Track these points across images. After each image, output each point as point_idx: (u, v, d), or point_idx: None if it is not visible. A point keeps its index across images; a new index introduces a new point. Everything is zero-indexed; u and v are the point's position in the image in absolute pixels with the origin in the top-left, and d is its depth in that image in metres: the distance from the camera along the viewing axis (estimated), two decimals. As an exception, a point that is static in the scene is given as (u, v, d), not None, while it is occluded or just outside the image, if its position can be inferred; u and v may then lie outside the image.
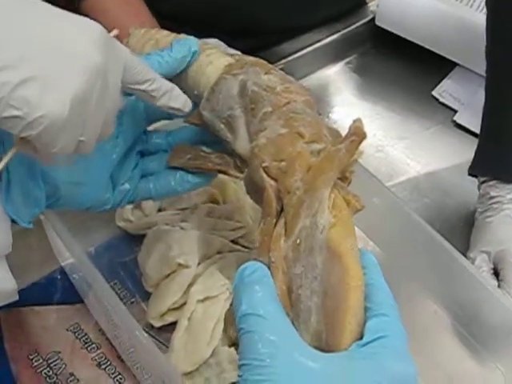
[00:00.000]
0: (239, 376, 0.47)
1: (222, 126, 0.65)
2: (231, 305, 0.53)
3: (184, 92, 0.67)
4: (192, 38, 0.68)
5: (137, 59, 0.60)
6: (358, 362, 0.47)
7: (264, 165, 0.58)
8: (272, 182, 0.57)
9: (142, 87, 0.61)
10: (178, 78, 0.68)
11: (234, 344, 0.55)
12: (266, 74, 0.64)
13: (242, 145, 0.64)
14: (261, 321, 0.48)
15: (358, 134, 0.54)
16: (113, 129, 0.60)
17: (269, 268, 0.53)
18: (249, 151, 0.62)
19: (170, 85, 0.64)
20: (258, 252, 0.54)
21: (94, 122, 0.54)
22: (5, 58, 0.47)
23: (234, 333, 0.52)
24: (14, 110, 0.48)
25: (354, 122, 0.55)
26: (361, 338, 0.48)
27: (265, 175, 0.58)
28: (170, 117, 0.71)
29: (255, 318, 0.48)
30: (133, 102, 0.69)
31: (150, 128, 0.73)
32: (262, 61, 0.68)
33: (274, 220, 0.55)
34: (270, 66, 0.67)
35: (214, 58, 0.67)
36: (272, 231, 0.55)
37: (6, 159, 0.54)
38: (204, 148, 0.71)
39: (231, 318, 0.53)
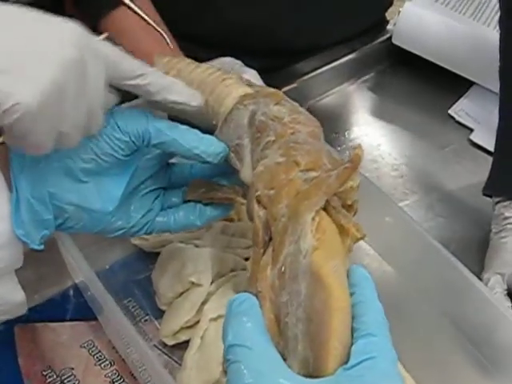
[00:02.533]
0: None
1: (232, 154, 0.67)
2: None
3: (202, 122, 0.68)
4: (222, 145, 0.68)
5: (126, 56, 0.62)
6: None
7: (257, 194, 0.59)
8: (261, 212, 0.58)
9: (134, 82, 0.62)
10: (197, 109, 0.69)
11: None
12: (276, 104, 0.66)
13: (246, 173, 0.65)
14: (247, 351, 0.48)
15: (353, 161, 0.54)
16: (100, 123, 0.61)
17: (258, 298, 0.53)
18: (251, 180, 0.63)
19: (170, 79, 0.65)
20: (248, 283, 0.55)
21: (75, 113, 0.56)
22: None
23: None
24: None
25: (355, 148, 0.55)
26: (348, 360, 0.48)
27: (256, 205, 0.59)
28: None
29: (241, 348, 0.48)
30: None
31: (173, 160, 0.74)
32: (276, 92, 0.69)
33: (262, 250, 0.56)
34: (283, 96, 0.68)
35: (233, 89, 0.68)
36: (260, 261, 0.55)
37: None
38: (219, 181, 0.73)
39: None
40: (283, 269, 0.52)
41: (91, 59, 0.57)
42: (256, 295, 0.53)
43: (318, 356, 0.49)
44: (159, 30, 0.73)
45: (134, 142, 0.65)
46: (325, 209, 0.55)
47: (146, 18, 0.72)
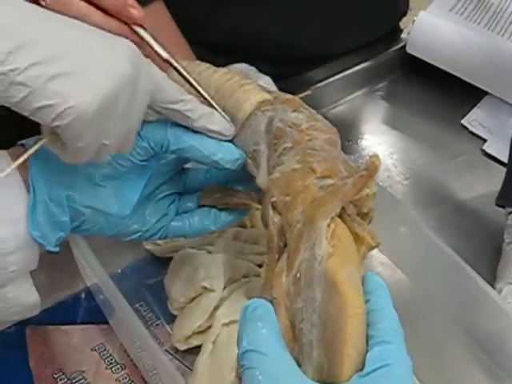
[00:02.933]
0: None
1: (249, 160, 0.67)
2: None
3: None
4: (240, 153, 0.68)
5: (170, 82, 0.63)
6: None
7: (272, 200, 0.59)
8: (276, 219, 0.58)
9: (176, 106, 0.63)
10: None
11: None
12: (294, 111, 0.66)
13: (262, 179, 0.65)
14: (262, 357, 0.48)
15: (370, 169, 0.54)
16: (132, 143, 0.62)
17: (273, 304, 0.53)
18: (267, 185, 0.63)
19: (208, 109, 0.66)
20: (262, 289, 0.55)
21: (119, 127, 0.57)
22: (42, 54, 0.51)
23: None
24: (46, 100, 0.51)
25: (371, 157, 0.55)
26: (363, 367, 0.48)
27: (271, 211, 0.58)
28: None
29: (256, 354, 0.48)
30: None
31: (189, 165, 0.74)
32: (294, 98, 0.69)
33: (277, 256, 0.56)
34: (301, 103, 0.68)
35: (251, 95, 0.68)
36: (275, 267, 0.55)
37: (35, 148, 0.57)
38: (234, 187, 0.73)
39: None
40: (298, 275, 0.52)
41: (143, 78, 0.58)
42: (271, 301, 0.53)
43: (332, 362, 0.48)
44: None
45: (152, 147, 0.66)
46: (340, 216, 0.55)
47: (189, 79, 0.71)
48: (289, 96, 0.70)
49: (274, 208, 0.59)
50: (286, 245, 0.56)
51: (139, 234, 0.70)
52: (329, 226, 0.52)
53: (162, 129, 0.65)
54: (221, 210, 0.72)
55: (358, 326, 0.49)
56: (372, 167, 0.54)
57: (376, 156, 0.55)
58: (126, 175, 0.67)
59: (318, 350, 0.49)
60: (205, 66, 0.72)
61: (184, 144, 0.66)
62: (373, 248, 0.57)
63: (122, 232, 0.69)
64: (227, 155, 0.67)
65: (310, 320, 0.50)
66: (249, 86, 0.69)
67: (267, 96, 0.68)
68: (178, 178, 0.74)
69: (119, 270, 0.88)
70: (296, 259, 0.53)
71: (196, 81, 0.68)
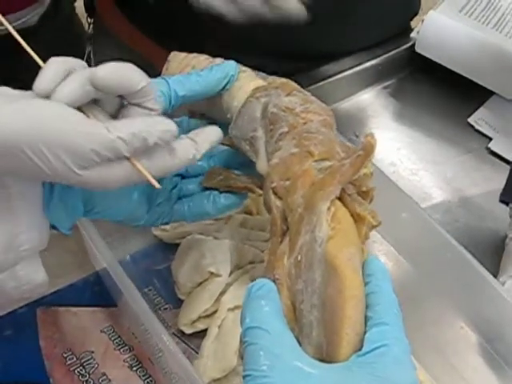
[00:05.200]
0: None
1: (247, 147, 0.68)
2: None
3: (220, 117, 0.70)
4: (232, 62, 0.69)
5: None
6: (356, 371, 0.47)
7: (272, 185, 0.60)
8: (278, 203, 0.59)
9: None
10: (214, 103, 0.70)
11: None
12: (287, 95, 0.67)
13: (261, 165, 0.66)
14: (263, 334, 0.49)
15: (366, 148, 0.55)
16: None
17: (275, 284, 0.54)
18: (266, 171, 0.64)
19: None
20: (265, 271, 0.56)
21: None
22: None
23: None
24: None
25: (366, 136, 0.56)
26: (361, 348, 0.49)
27: (272, 196, 0.59)
28: None
29: (258, 331, 0.49)
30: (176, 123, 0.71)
31: None
32: (288, 82, 0.70)
33: (280, 239, 0.57)
34: (294, 87, 0.69)
35: (244, 83, 0.69)
36: (277, 250, 0.56)
37: None
38: (236, 171, 0.73)
39: None
40: (299, 258, 0.53)
41: None
42: (274, 281, 0.54)
43: (331, 342, 0.50)
44: None
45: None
46: (340, 197, 0.56)
47: None
48: (283, 80, 0.70)
49: (274, 193, 0.60)
50: (288, 228, 0.57)
51: (144, 220, 0.71)
52: (329, 209, 0.53)
53: (164, 83, 0.65)
54: (222, 193, 0.73)
55: (357, 307, 0.50)
56: (368, 146, 0.55)
57: (371, 135, 0.55)
58: None
59: (317, 330, 0.51)
60: (202, 58, 0.73)
61: (188, 84, 0.65)
62: (374, 227, 0.57)
63: (130, 217, 0.70)
64: (223, 72, 0.68)
65: (310, 301, 0.51)
66: (243, 73, 0.70)
67: (261, 82, 0.70)
68: None
69: (128, 256, 0.90)
70: (297, 242, 0.54)
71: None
